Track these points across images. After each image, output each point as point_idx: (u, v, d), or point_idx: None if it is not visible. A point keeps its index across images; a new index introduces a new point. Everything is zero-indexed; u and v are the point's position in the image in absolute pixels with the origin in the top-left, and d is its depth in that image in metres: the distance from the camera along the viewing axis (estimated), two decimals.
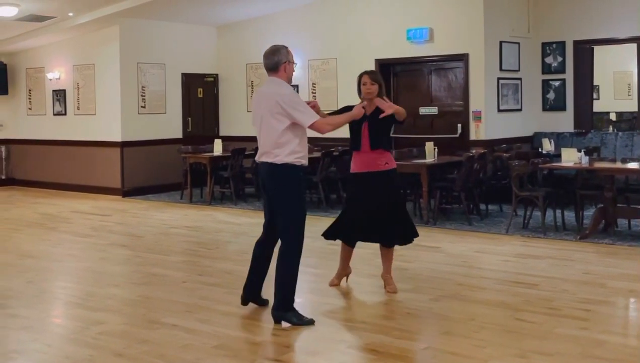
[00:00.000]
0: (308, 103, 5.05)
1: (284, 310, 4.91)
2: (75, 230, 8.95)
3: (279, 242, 5.03)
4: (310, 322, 4.90)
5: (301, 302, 5.66)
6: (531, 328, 4.81)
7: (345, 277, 5.98)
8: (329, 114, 5.48)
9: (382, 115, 5.52)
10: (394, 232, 5.71)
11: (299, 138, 4.91)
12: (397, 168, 5.84)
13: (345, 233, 5.78)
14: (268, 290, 5.18)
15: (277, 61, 4.92)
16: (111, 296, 5.80)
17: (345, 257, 5.90)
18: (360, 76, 5.66)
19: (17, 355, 4.44)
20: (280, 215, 4.93)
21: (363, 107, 5.39)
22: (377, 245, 5.87)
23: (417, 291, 5.75)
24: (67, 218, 9.91)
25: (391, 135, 5.92)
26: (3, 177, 13.72)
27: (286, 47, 4.98)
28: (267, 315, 5.14)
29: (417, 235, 5.85)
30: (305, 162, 4.95)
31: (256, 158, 5.04)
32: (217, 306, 5.38)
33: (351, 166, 5.76)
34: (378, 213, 5.64)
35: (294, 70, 5.07)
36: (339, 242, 5.91)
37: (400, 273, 6.36)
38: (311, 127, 4.89)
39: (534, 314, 5.10)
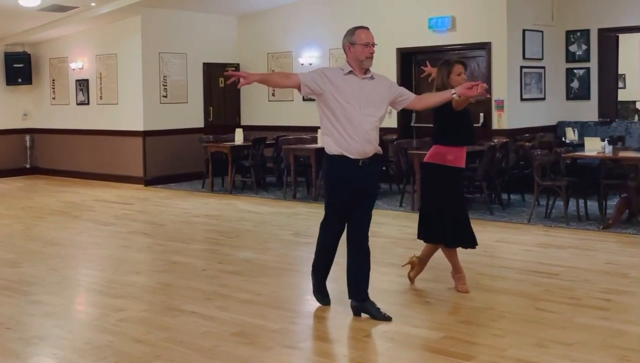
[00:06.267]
0: None
1: (365, 299, 4.80)
2: (98, 219, 9.03)
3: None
4: (388, 319, 4.72)
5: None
6: (551, 317, 4.77)
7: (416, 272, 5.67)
8: None
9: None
10: (425, 228, 5.44)
11: None
12: (425, 158, 5.53)
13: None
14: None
15: (343, 45, 4.65)
16: (132, 283, 5.85)
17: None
18: (452, 65, 5.30)
19: (39, 341, 4.49)
20: (370, 209, 4.74)
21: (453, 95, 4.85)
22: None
23: (437, 280, 5.72)
24: (90, 206, 10.01)
25: (459, 128, 5.30)
26: (27, 166, 13.86)
27: (353, 28, 4.63)
28: (286, 302, 5.16)
29: (441, 241, 5.41)
30: None
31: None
32: (236, 294, 5.41)
33: None
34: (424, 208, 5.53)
35: (358, 51, 4.57)
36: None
37: None
38: (410, 104, 4.73)
39: (554, 304, 5.06)
